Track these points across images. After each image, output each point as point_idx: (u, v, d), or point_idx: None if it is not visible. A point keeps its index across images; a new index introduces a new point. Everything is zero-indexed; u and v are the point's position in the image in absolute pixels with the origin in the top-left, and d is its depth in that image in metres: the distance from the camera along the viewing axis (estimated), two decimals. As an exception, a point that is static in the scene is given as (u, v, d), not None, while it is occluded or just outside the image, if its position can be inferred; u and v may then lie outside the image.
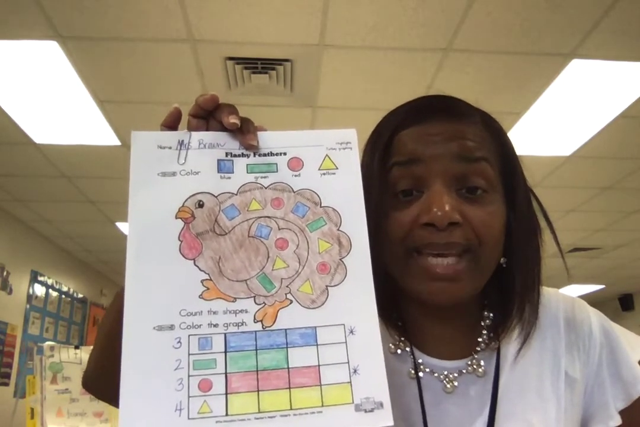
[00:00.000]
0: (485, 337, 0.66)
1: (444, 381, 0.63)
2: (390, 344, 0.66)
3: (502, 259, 0.64)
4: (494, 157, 0.63)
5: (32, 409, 2.94)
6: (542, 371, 0.64)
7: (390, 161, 0.63)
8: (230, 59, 2.56)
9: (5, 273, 4.68)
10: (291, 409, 0.46)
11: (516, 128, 3.17)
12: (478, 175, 0.61)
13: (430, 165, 0.61)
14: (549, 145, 3.40)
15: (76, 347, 3.21)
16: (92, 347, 0.65)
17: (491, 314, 0.67)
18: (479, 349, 0.65)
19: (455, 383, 0.63)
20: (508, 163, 0.65)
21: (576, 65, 2.57)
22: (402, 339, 0.66)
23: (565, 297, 0.70)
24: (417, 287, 0.61)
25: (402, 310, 0.67)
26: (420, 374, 0.63)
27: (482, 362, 0.64)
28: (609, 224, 4.89)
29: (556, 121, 3.10)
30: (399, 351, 0.65)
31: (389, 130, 0.65)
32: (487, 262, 0.61)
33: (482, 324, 0.67)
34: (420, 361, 0.65)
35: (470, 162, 0.61)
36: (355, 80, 2.73)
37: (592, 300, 8.66)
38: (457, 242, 0.59)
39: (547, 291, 0.70)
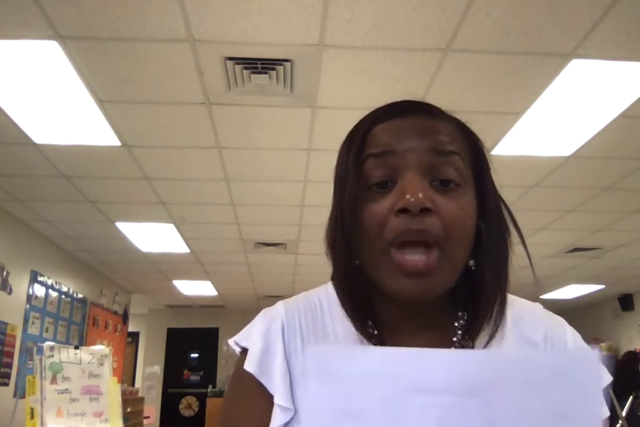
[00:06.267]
0: (459, 336, 0.67)
1: None
2: None
3: (471, 262, 0.65)
4: (465, 155, 0.66)
5: (32, 409, 2.94)
6: None
7: (364, 154, 0.65)
8: (230, 59, 2.56)
9: (5, 273, 4.68)
10: None
11: (516, 128, 3.17)
12: (450, 167, 0.63)
13: (404, 157, 0.63)
14: (549, 145, 3.40)
15: (76, 348, 3.21)
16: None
17: (465, 314, 0.68)
18: (453, 348, 0.66)
19: None
20: (479, 165, 0.67)
21: (576, 65, 2.57)
22: (376, 344, 0.66)
23: (546, 312, 0.73)
24: (390, 284, 0.62)
25: (376, 312, 0.68)
26: None
27: None
28: (609, 224, 4.89)
29: (556, 121, 3.09)
30: None
31: (365, 125, 0.67)
32: (455, 257, 0.62)
33: (456, 324, 0.68)
34: None
35: (443, 155, 0.63)
36: (355, 80, 2.73)
37: (592, 300, 8.66)
38: (430, 230, 0.60)
39: (530, 305, 0.73)
